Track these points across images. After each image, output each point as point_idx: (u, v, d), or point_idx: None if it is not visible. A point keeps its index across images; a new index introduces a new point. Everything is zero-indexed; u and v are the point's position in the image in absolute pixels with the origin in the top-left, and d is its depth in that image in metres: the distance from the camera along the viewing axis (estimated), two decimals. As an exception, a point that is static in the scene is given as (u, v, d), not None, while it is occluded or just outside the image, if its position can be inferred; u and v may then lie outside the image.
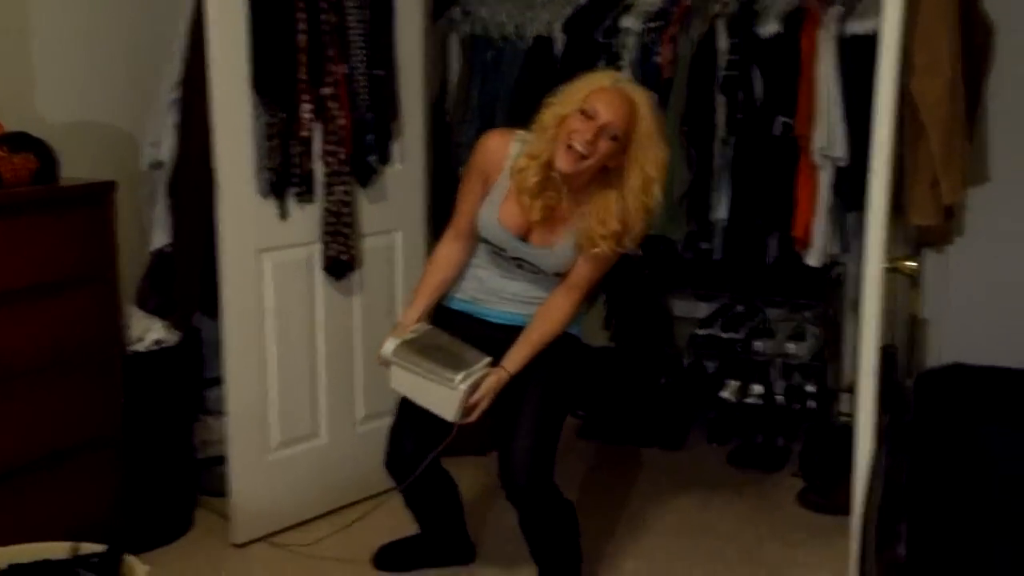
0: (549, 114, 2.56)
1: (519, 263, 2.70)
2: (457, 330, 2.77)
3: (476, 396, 2.61)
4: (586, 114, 2.47)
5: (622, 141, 2.49)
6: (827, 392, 3.98)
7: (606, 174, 2.56)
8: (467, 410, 2.62)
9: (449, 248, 2.80)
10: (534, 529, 2.77)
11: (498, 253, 2.71)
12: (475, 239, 2.76)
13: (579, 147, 2.47)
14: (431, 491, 2.92)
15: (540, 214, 2.60)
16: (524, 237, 2.66)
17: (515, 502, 2.71)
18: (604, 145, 2.48)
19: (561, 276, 2.68)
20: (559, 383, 2.74)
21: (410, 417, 2.74)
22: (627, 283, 4.20)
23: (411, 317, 2.79)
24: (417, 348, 2.66)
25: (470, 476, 3.30)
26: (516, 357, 2.65)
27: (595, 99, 2.48)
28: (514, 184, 2.62)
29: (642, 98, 2.54)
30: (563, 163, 2.49)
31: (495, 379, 2.63)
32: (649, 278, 4.17)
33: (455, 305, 2.83)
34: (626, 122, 2.48)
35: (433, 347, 2.68)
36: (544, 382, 2.70)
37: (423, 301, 2.80)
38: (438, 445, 2.74)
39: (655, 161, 2.52)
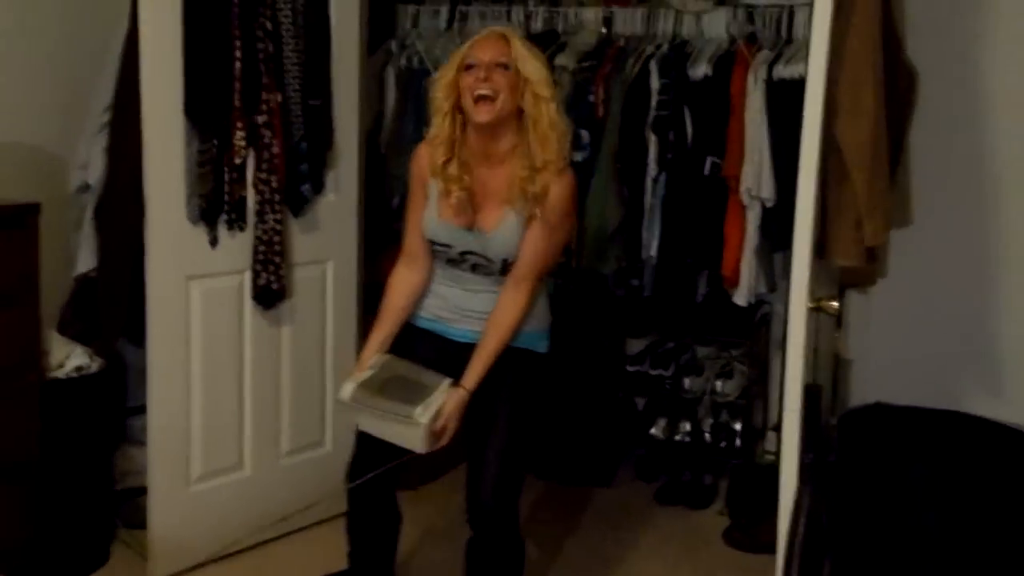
0: (438, 91, 2.59)
1: (472, 263, 2.67)
2: (423, 348, 2.74)
3: (440, 422, 2.58)
4: (470, 67, 2.53)
5: (512, 68, 2.52)
6: (753, 430, 4.02)
7: (520, 131, 2.58)
8: (435, 436, 2.60)
9: (403, 274, 2.78)
10: (482, 555, 2.72)
11: (450, 257, 2.68)
12: (430, 258, 2.74)
13: (483, 90, 2.50)
14: (378, 519, 2.87)
15: (459, 192, 2.60)
16: (468, 227, 2.64)
17: (476, 523, 2.67)
18: (500, 77, 2.51)
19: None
20: (525, 402, 2.72)
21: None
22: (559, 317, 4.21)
23: (369, 352, 2.76)
24: (375, 386, 2.63)
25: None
26: (473, 373, 2.61)
27: (470, 51, 2.55)
28: (439, 178, 2.64)
29: (510, 31, 2.60)
30: (481, 115, 2.51)
31: (455, 401, 2.59)
32: (581, 312, 4.18)
33: (420, 324, 2.79)
34: (505, 52, 2.53)
35: (391, 380, 2.64)
36: (511, 401, 2.67)
37: (380, 334, 2.77)
38: (401, 457, 2.70)
39: (538, 78, 2.53)
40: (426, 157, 2.66)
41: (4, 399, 2.86)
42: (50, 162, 3.40)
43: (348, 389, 2.65)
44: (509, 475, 2.67)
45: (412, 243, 2.75)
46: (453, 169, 2.59)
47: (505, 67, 2.52)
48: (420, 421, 2.54)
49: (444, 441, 2.63)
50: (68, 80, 3.41)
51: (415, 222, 2.72)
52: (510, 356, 2.66)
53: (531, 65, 2.54)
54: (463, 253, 2.67)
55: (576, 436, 4.13)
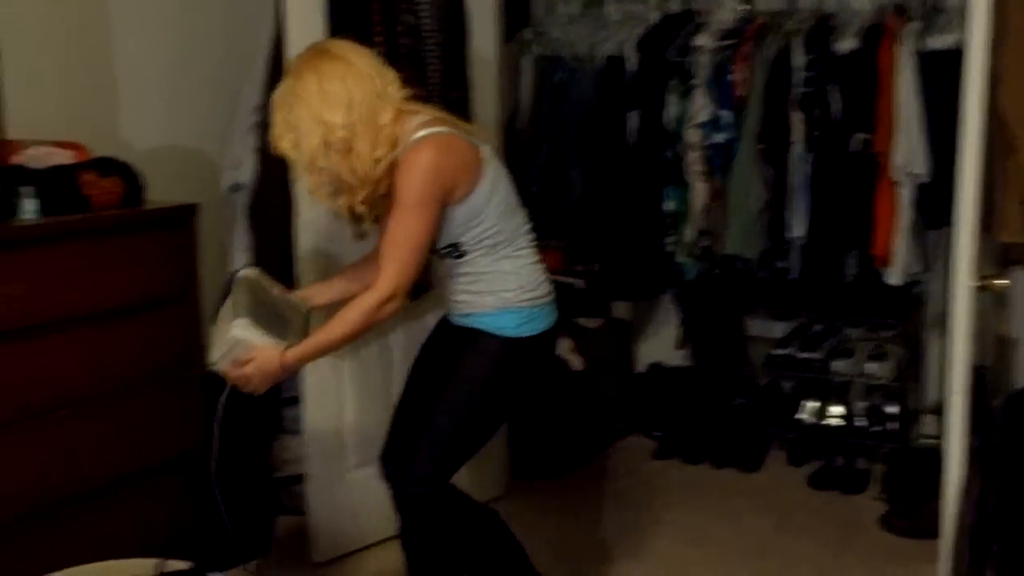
0: None
1: None
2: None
3: (246, 356, 2.40)
4: None
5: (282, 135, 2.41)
6: (909, 413, 3.90)
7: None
8: (236, 364, 2.42)
9: None
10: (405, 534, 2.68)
11: None
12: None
13: None
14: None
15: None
16: None
17: (390, 484, 2.66)
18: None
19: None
20: (467, 391, 2.50)
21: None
22: (702, 302, 4.17)
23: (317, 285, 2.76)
24: (261, 297, 2.52)
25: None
26: (297, 349, 2.43)
27: None
28: None
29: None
30: None
31: (264, 355, 2.39)
32: (725, 297, 4.12)
33: None
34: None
35: (275, 306, 2.53)
36: (451, 388, 2.51)
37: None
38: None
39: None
40: None
41: (169, 392, 2.98)
42: (205, 164, 3.52)
43: (250, 273, 2.60)
44: (428, 466, 2.50)
45: None
46: None
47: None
48: (231, 332, 2.39)
49: (233, 378, 2.45)
50: (219, 82, 3.53)
51: None
52: (468, 337, 2.52)
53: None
54: None
55: (722, 420, 4.09)
